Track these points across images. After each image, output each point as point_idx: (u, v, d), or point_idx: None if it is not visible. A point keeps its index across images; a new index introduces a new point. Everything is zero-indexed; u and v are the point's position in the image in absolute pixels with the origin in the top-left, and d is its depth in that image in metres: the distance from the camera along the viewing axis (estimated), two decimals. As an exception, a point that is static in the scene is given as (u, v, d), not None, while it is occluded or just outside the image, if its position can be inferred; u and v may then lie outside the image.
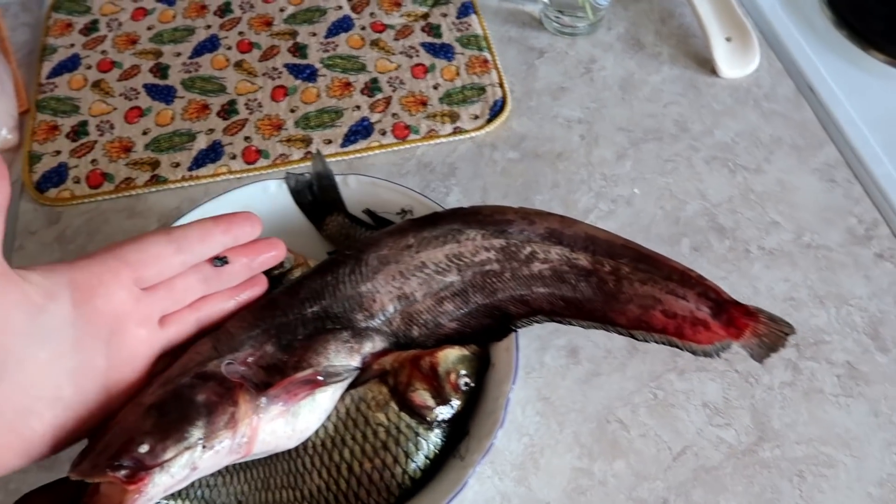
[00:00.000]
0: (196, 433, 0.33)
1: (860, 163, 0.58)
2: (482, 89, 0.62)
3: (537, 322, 0.41)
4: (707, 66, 0.64)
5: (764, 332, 0.38)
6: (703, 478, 0.44)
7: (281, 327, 0.40)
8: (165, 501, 0.37)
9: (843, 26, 0.67)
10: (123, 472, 0.31)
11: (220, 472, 0.38)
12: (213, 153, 0.58)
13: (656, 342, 0.40)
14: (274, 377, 0.37)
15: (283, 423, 0.36)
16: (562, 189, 0.56)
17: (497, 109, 0.61)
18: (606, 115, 0.61)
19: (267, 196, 0.49)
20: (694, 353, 0.39)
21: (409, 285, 0.41)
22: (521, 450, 0.45)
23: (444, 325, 0.41)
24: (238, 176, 0.57)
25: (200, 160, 0.58)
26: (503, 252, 0.41)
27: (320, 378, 0.37)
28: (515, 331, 0.41)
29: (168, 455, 0.33)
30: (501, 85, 0.62)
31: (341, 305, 0.40)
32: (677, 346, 0.40)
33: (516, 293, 0.41)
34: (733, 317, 0.39)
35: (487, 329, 0.42)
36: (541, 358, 0.48)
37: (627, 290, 0.40)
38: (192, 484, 0.38)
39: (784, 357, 0.48)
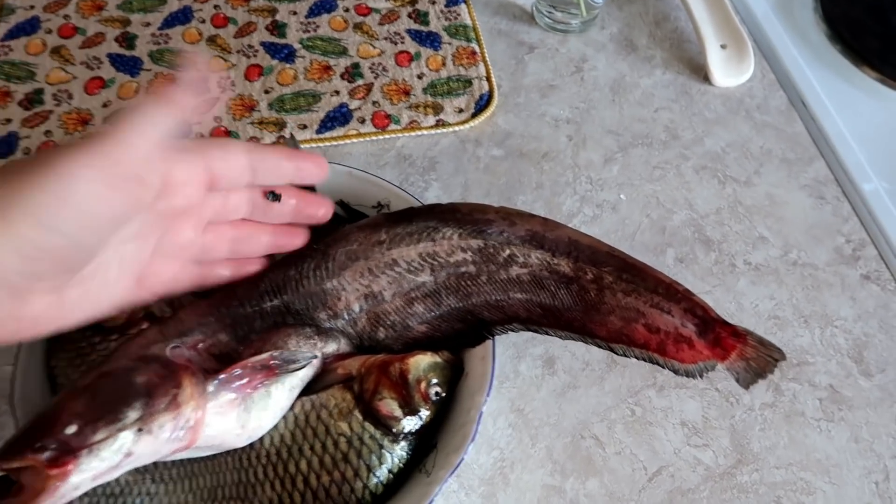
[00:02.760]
0: (132, 414, 0.30)
1: (849, 181, 0.56)
2: (468, 82, 0.59)
3: (512, 330, 0.39)
4: (700, 72, 0.62)
5: (752, 355, 0.37)
6: (679, 501, 0.42)
7: (237, 318, 0.37)
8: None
9: (838, 41, 0.65)
10: (46, 455, 0.28)
11: (162, 479, 0.35)
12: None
13: (637, 357, 0.38)
14: (225, 366, 0.34)
15: (234, 418, 0.33)
16: (546, 190, 0.54)
17: (483, 104, 0.58)
18: (595, 117, 0.59)
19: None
20: (675, 371, 0.37)
21: (378, 283, 0.38)
22: (491, 464, 0.42)
23: (412, 327, 0.39)
24: (205, 157, 0.54)
25: None
26: (480, 254, 0.39)
27: (276, 362, 0.34)
28: (491, 338, 0.38)
29: (98, 437, 0.29)
30: (489, 78, 0.60)
31: (304, 302, 0.38)
32: (658, 364, 0.38)
33: (492, 298, 0.39)
34: (720, 336, 0.37)
35: (459, 334, 0.39)
36: (516, 367, 0.46)
37: (610, 300, 0.37)
38: (131, 491, 0.35)
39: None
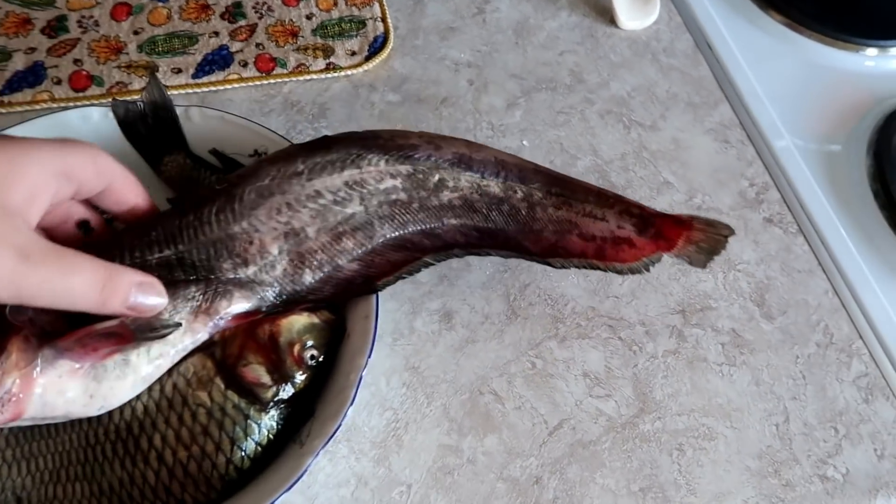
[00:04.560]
0: None
1: (753, 124, 0.55)
2: (362, 23, 0.55)
3: (456, 256, 0.37)
4: (606, 15, 0.60)
5: (700, 238, 0.37)
6: (580, 453, 0.40)
7: None
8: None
9: (744, -17, 0.64)
10: None
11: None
12: (32, 76, 0.49)
13: (576, 266, 0.39)
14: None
15: (78, 387, 0.29)
16: (445, 137, 0.51)
17: (377, 46, 0.54)
18: (498, 61, 0.56)
19: (89, 126, 0.40)
20: (619, 272, 0.38)
21: (300, 219, 0.34)
22: (384, 426, 0.40)
23: (342, 266, 0.35)
24: (63, 104, 0.48)
25: (15, 83, 0.48)
26: (410, 179, 0.36)
27: (129, 330, 0.30)
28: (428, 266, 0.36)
29: None
30: (384, 19, 0.56)
31: (204, 251, 0.33)
32: (599, 268, 0.38)
33: (427, 225, 0.37)
34: (661, 229, 0.37)
35: (395, 266, 0.36)
36: (411, 323, 0.43)
37: (541, 216, 0.37)
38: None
39: (669, 324, 0.45)
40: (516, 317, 0.44)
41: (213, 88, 0.50)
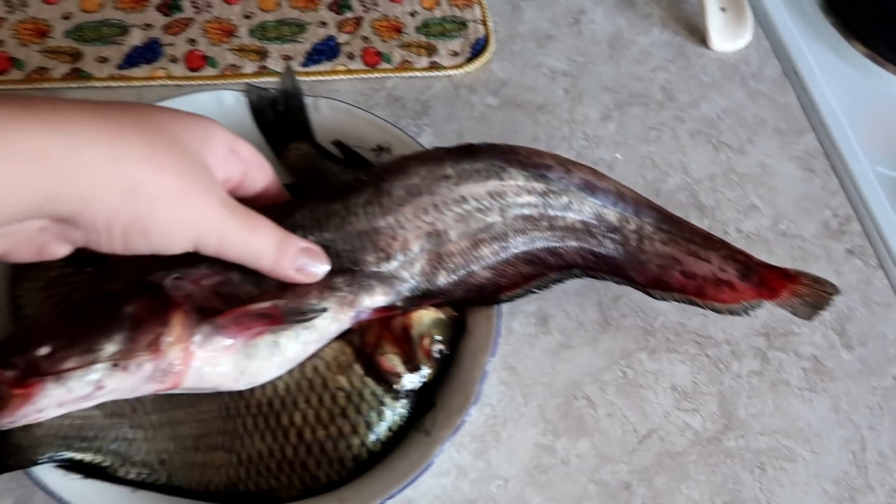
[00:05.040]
0: (109, 348, 0.28)
1: (837, 155, 0.56)
2: (463, 24, 0.56)
3: (576, 276, 0.39)
4: (697, 34, 0.60)
5: (806, 293, 0.39)
6: (668, 464, 0.42)
7: None
8: (72, 454, 0.31)
9: (831, 12, 0.65)
10: (12, 373, 0.26)
11: (141, 425, 0.33)
12: (149, 52, 0.50)
13: (675, 300, 0.40)
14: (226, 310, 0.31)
15: (231, 361, 0.31)
16: (541, 144, 0.52)
17: (478, 49, 0.55)
18: (593, 72, 0.57)
19: (221, 109, 0.42)
20: (718, 311, 0.40)
21: (444, 221, 0.36)
22: (483, 421, 0.41)
23: (476, 272, 0.37)
24: (178, 83, 0.49)
25: (133, 59, 0.50)
26: (543, 197, 0.38)
27: (281, 312, 0.31)
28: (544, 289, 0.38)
29: (68, 365, 0.27)
30: (485, 23, 0.57)
31: (349, 242, 0.34)
32: (698, 305, 0.40)
33: (551, 244, 0.38)
34: (765, 279, 0.39)
35: (525, 279, 0.38)
36: (508, 324, 0.44)
37: (648, 248, 0.39)
38: (106, 436, 0.32)
39: (753, 345, 0.46)
40: (609, 326, 0.45)
41: (320, 78, 0.52)
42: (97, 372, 0.28)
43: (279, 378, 0.32)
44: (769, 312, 0.48)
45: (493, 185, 0.37)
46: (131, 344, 0.28)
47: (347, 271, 0.33)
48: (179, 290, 0.30)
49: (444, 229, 0.36)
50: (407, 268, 0.35)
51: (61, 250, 0.29)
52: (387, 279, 0.34)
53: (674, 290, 0.39)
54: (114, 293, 0.30)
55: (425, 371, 0.34)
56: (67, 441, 0.31)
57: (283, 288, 0.32)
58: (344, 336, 0.33)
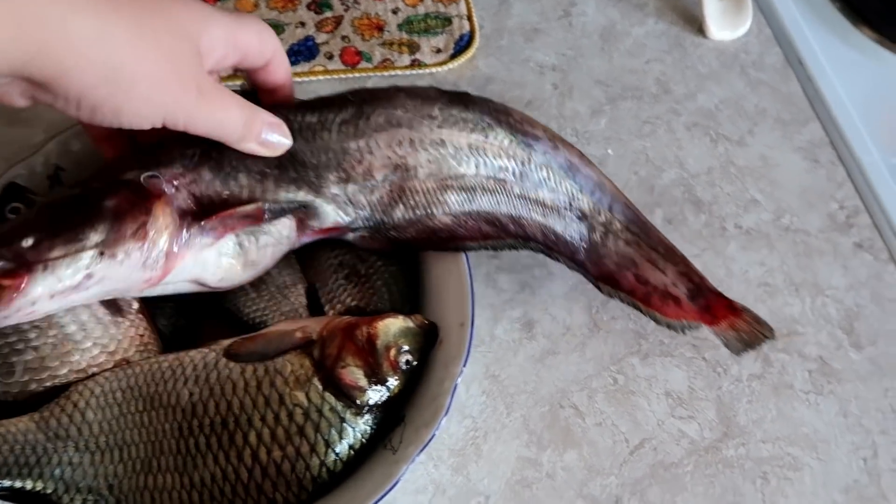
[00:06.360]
0: (94, 237, 0.29)
1: (845, 145, 0.53)
2: (448, 20, 0.54)
3: (531, 249, 0.39)
4: (694, 23, 0.58)
5: (744, 328, 0.38)
6: (662, 475, 0.39)
7: (226, 155, 0.33)
8: (10, 482, 0.30)
9: (837, -2, 0.62)
10: (0, 265, 0.27)
11: (87, 447, 0.31)
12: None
13: (620, 300, 0.39)
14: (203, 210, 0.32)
15: (211, 258, 0.32)
16: (528, 142, 0.50)
17: (463, 45, 0.53)
18: (583, 66, 0.55)
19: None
20: (656, 321, 0.39)
21: (416, 158, 0.35)
22: (462, 434, 0.39)
23: (435, 216, 0.36)
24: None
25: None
26: (522, 166, 0.37)
27: (261, 212, 0.33)
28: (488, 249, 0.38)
29: (55, 254, 0.28)
30: (470, 18, 0.55)
31: (316, 156, 0.34)
32: (640, 310, 0.39)
33: (516, 212, 0.38)
34: (712, 305, 0.39)
35: (483, 236, 0.38)
36: (492, 330, 0.42)
37: (610, 244, 0.39)
38: (49, 461, 0.31)
39: (755, 347, 0.44)
40: (598, 330, 0.43)
41: (298, 80, 0.50)
42: (84, 259, 0.28)
43: (234, 394, 0.31)
44: (770, 311, 0.45)
45: (475, 138, 0.36)
46: (116, 233, 0.29)
47: (307, 183, 0.34)
48: (156, 186, 0.31)
49: (414, 165, 0.35)
50: (366, 194, 0.35)
51: (20, 102, 0.29)
52: (342, 202, 0.35)
53: (623, 290, 0.39)
54: (92, 190, 0.31)
55: (392, 384, 0.32)
56: (6, 468, 0.30)
57: (252, 189, 0.33)
58: (303, 349, 0.32)
